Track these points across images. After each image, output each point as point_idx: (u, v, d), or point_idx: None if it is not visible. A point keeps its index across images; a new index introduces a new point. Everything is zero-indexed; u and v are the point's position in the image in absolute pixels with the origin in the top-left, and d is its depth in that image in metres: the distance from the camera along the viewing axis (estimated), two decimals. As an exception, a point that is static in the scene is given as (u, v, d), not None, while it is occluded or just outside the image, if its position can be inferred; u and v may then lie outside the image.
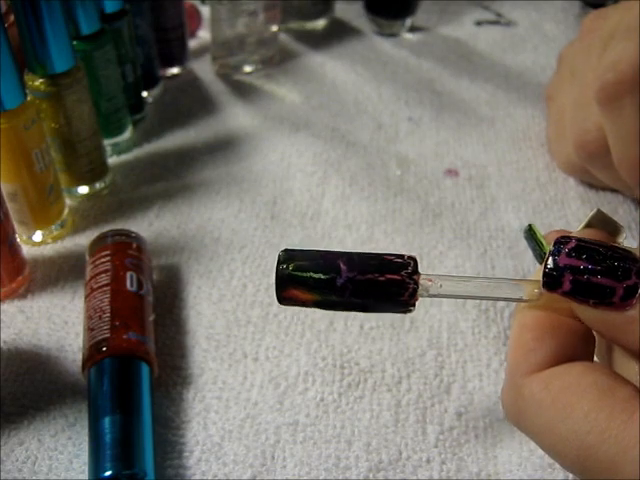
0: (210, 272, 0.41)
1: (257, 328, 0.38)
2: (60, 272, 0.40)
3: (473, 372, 0.36)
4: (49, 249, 0.42)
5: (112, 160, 0.48)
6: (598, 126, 0.40)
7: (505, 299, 0.23)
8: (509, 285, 0.23)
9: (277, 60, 0.60)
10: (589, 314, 0.22)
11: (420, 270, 0.23)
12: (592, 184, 0.47)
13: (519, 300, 0.23)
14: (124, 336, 0.33)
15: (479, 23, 0.67)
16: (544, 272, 0.22)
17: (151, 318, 0.36)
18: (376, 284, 0.22)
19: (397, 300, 0.22)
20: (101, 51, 0.44)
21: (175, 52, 0.56)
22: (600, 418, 0.20)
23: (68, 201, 0.44)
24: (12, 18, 0.39)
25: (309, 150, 0.50)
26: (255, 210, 0.45)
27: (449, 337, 0.37)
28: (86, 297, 0.36)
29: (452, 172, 0.49)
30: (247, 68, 0.58)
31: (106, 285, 0.35)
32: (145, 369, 0.33)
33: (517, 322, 0.24)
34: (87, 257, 0.38)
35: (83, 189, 0.45)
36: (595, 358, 0.24)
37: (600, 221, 0.24)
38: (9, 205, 0.39)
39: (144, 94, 0.53)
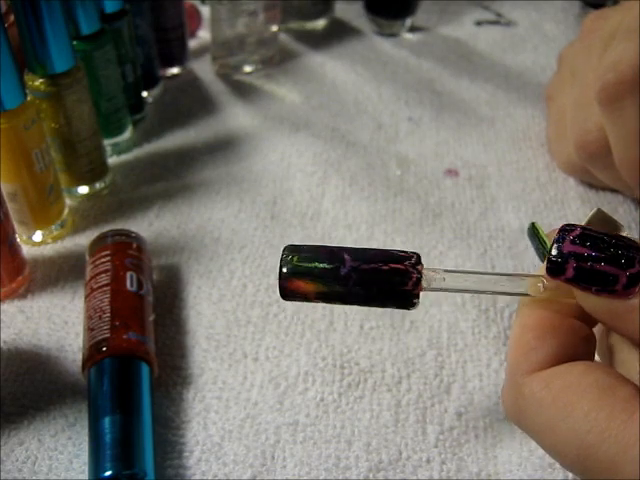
0: (210, 272, 0.41)
1: (257, 328, 0.38)
2: (60, 272, 0.40)
3: (473, 372, 0.36)
4: (49, 249, 0.42)
5: (112, 160, 0.48)
6: (599, 126, 0.40)
7: (508, 294, 0.23)
8: (512, 280, 0.23)
9: (277, 60, 0.60)
10: (591, 302, 0.22)
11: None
12: (592, 184, 0.47)
13: (522, 294, 0.23)
14: (124, 336, 0.33)
15: (479, 23, 0.67)
16: (548, 258, 0.22)
17: (151, 318, 0.36)
18: (380, 273, 0.22)
19: (401, 290, 0.22)
20: (101, 51, 0.44)
21: (175, 52, 0.56)
22: (600, 417, 0.20)
23: (68, 201, 0.44)
24: (12, 18, 0.39)
25: (309, 150, 0.50)
26: (255, 210, 0.45)
27: (449, 337, 0.37)
28: (86, 297, 0.36)
29: (452, 172, 0.49)
30: (247, 68, 0.58)
31: (106, 285, 0.35)
32: (145, 369, 0.33)
33: (518, 321, 0.24)
34: (87, 257, 0.38)
35: (83, 189, 0.45)
36: (596, 357, 0.24)
37: (600, 220, 0.24)
38: (9, 205, 0.39)
39: (144, 94, 0.53)
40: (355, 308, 0.38)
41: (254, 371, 0.36)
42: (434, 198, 0.46)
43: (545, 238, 0.25)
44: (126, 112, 0.49)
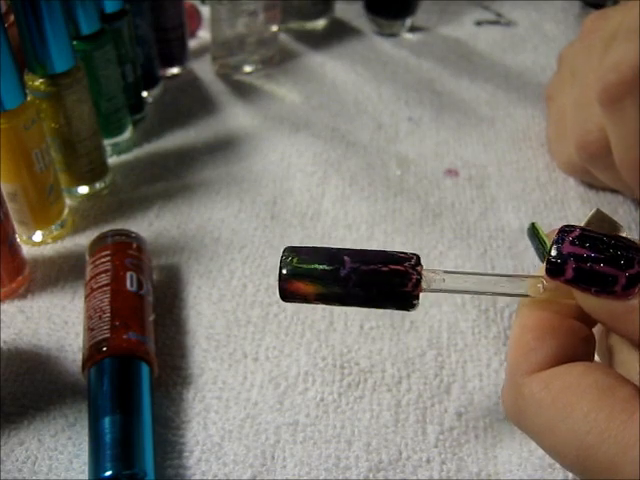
0: (210, 272, 0.41)
1: (257, 328, 0.38)
2: (60, 272, 0.40)
3: (473, 372, 0.36)
4: (49, 249, 0.42)
5: (112, 160, 0.48)
6: (599, 127, 0.40)
7: (508, 294, 0.23)
8: (512, 280, 0.23)
9: (277, 60, 0.60)
10: (591, 303, 0.22)
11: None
12: (592, 184, 0.47)
13: (522, 295, 0.23)
14: (124, 336, 0.33)
15: (479, 23, 0.67)
16: (547, 259, 0.22)
17: (151, 318, 0.36)
18: (379, 274, 0.22)
19: (400, 292, 0.22)
20: (101, 51, 0.44)
21: (175, 52, 0.56)
22: (600, 418, 0.20)
23: (68, 201, 0.44)
24: (12, 18, 0.39)
25: (309, 150, 0.50)
26: (255, 210, 0.45)
27: (449, 337, 0.37)
28: (86, 297, 0.36)
29: (452, 172, 0.49)
30: (247, 68, 0.58)
31: (106, 285, 0.35)
32: (145, 369, 0.33)
33: (518, 322, 0.24)
34: (87, 257, 0.38)
35: (83, 189, 0.45)
36: (596, 358, 0.24)
37: (600, 221, 0.24)
38: (9, 205, 0.39)
39: (144, 94, 0.53)
40: (355, 308, 0.38)
41: (254, 371, 0.36)
42: (434, 198, 0.46)
43: (545, 238, 0.25)
44: (126, 112, 0.49)
